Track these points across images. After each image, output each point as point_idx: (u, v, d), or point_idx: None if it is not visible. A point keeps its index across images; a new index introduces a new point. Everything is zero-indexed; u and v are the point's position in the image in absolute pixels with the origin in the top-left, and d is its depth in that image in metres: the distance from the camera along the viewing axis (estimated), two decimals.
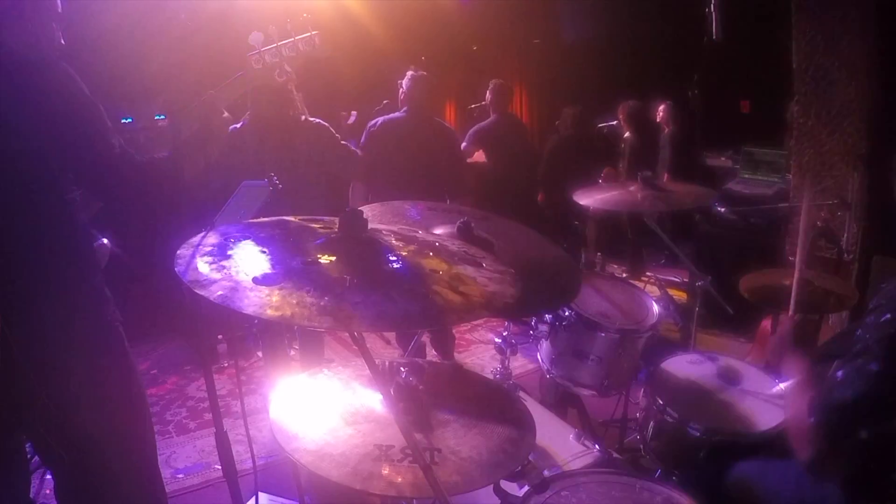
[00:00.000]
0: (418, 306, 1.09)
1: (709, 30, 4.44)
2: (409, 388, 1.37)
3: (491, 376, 2.32)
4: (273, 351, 3.45)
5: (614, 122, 5.74)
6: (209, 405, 1.52)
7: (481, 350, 4.36)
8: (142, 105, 4.97)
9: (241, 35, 1.86)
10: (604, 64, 6.80)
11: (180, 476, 2.94)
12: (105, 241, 2.06)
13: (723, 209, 4.27)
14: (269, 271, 1.11)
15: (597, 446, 2.01)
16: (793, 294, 2.06)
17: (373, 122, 3.71)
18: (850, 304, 2.60)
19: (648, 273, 5.21)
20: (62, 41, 1.66)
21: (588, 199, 2.62)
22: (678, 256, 2.88)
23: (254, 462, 1.70)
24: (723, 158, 6.18)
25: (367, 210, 1.61)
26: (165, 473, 2.81)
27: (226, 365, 4.00)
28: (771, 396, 2.02)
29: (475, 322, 4.56)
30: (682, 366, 2.22)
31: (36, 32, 1.57)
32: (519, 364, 3.69)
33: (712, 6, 4.26)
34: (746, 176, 5.27)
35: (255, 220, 1.39)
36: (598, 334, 2.25)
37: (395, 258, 1.20)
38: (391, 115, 3.74)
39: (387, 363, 1.48)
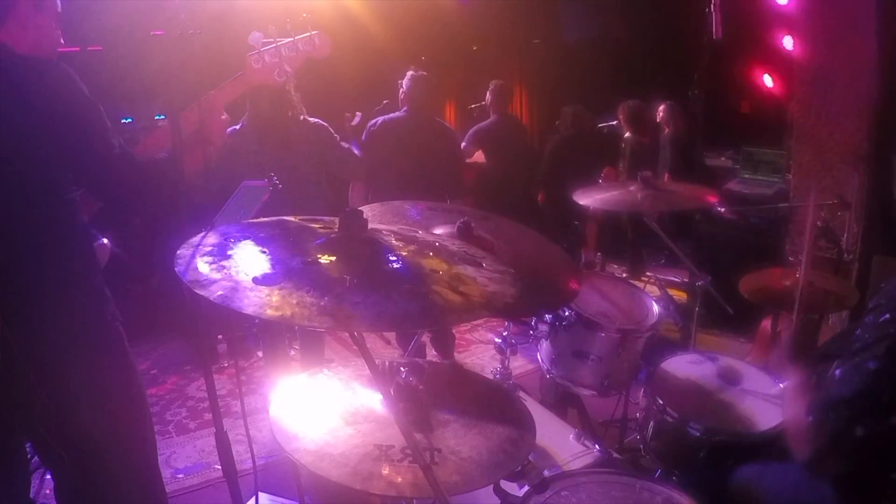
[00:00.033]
0: (418, 306, 1.09)
1: (709, 30, 4.44)
2: (409, 388, 1.37)
3: (491, 376, 2.32)
4: (273, 351, 3.45)
5: (614, 122, 5.74)
6: (209, 405, 1.52)
7: (481, 350, 4.36)
8: (142, 105, 4.98)
9: (241, 35, 1.85)
10: (604, 64, 6.79)
11: (180, 476, 2.94)
12: (105, 240, 2.06)
13: (723, 209, 4.27)
14: (269, 271, 1.11)
15: (597, 446, 2.01)
16: (797, 297, 2.04)
17: (373, 121, 3.71)
18: (850, 304, 2.60)
19: (648, 273, 5.21)
20: (62, 41, 1.66)
21: (588, 199, 2.62)
22: (678, 256, 2.88)
23: (254, 462, 1.70)
24: (723, 158, 6.18)
25: (367, 210, 1.61)
26: (165, 473, 2.81)
27: (226, 365, 4.00)
28: (771, 396, 2.02)
29: (475, 322, 4.55)
30: (682, 366, 2.22)
31: (35, 32, 1.57)
32: (519, 364, 3.69)
33: (712, 6, 4.26)
34: (746, 176, 5.27)
35: (254, 220, 1.39)
36: (598, 334, 2.25)
37: (395, 258, 1.20)
38: (391, 115, 3.74)
39: (387, 363, 1.48)
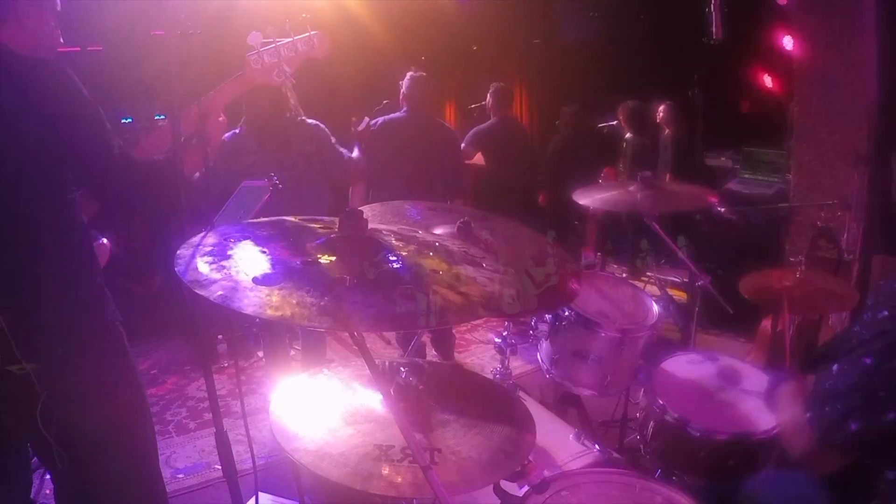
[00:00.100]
0: (418, 306, 1.09)
1: (709, 30, 4.44)
2: (409, 388, 1.37)
3: (491, 376, 2.32)
4: (273, 351, 3.45)
5: (614, 122, 5.74)
6: (209, 405, 1.52)
7: (481, 350, 4.36)
8: (142, 105, 4.98)
9: (241, 35, 1.85)
10: (604, 64, 6.79)
11: (180, 476, 2.94)
12: (105, 240, 2.06)
13: (723, 209, 4.27)
14: (269, 271, 1.11)
15: (597, 446, 2.01)
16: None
17: (373, 122, 3.71)
18: (850, 304, 2.60)
19: (648, 273, 5.21)
20: (62, 41, 1.66)
21: (588, 199, 2.63)
22: (678, 256, 2.88)
23: (254, 462, 1.70)
24: (723, 158, 6.18)
25: (367, 210, 1.61)
26: (165, 473, 2.80)
27: (226, 365, 4.00)
28: None
29: (475, 322, 4.55)
30: (682, 366, 2.22)
31: (35, 32, 1.57)
32: (519, 364, 3.69)
33: (712, 6, 4.27)
34: (746, 176, 5.27)
35: (254, 220, 1.39)
36: (598, 334, 2.25)
37: (395, 258, 1.20)
38: (391, 116, 3.74)
39: (387, 363, 1.48)
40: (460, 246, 1.43)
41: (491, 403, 1.50)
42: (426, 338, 3.80)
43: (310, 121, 3.12)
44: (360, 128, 3.17)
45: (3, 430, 1.58)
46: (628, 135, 5.56)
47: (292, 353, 3.72)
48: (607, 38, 7.10)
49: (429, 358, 3.73)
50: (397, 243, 1.28)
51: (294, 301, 1.03)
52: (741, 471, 1.83)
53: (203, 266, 1.11)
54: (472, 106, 5.74)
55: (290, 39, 1.90)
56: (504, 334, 2.29)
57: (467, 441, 1.32)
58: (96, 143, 1.54)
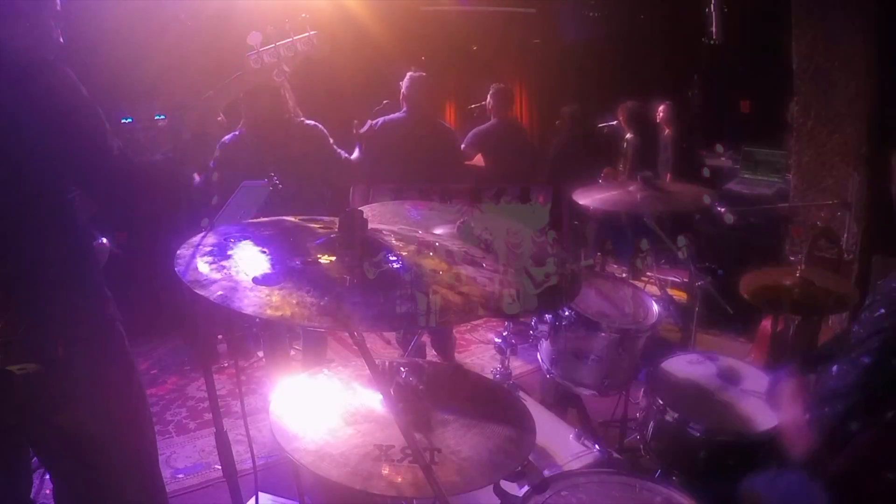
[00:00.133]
0: (418, 306, 1.09)
1: (709, 30, 4.45)
2: (409, 388, 1.37)
3: (491, 376, 2.32)
4: (274, 351, 3.45)
5: (614, 123, 5.74)
6: (209, 405, 1.52)
7: (481, 350, 4.36)
8: (142, 105, 4.98)
9: (241, 35, 1.85)
10: (604, 64, 6.80)
11: (180, 476, 2.94)
12: (104, 240, 2.06)
13: (723, 209, 4.27)
14: (269, 271, 1.11)
15: (597, 446, 2.01)
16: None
17: (373, 122, 3.71)
18: (850, 304, 2.59)
19: (648, 273, 5.21)
20: (62, 41, 1.66)
21: (588, 199, 2.63)
22: (678, 256, 2.89)
23: (254, 462, 1.70)
24: (723, 158, 6.18)
25: (367, 210, 1.61)
26: (165, 473, 2.80)
27: (226, 365, 4.00)
28: None
29: (475, 322, 4.55)
30: (682, 366, 2.22)
31: (35, 32, 1.57)
32: (519, 364, 3.69)
33: (712, 6, 4.27)
34: (746, 176, 5.27)
35: (254, 220, 1.39)
36: (598, 334, 2.25)
37: (395, 258, 1.20)
38: (391, 116, 3.74)
39: (387, 363, 1.48)
40: (460, 246, 1.43)
41: (491, 403, 1.50)
42: (426, 338, 3.80)
43: (308, 121, 3.12)
44: (363, 130, 3.17)
45: (3, 430, 1.58)
46: (629, 135, 5.56)
47: (292, 353, 3.71)
48: (607, 38, 7.10)
49: (429, 358, 3.73)
50: (397, 243, 1.28)
51: (294, 301, 1.03)
52: (741, 471, 1.83)
53: (203, 266, 1.11)
54: (472, 106, 5.74)
55: (290, 39, 1.90)
56: (504, 334, 2.29)
57: (467, 441, 1.32)
58: (95, 143, 1.54)
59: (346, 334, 1.17)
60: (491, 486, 1.48)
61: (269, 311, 1.01)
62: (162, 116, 4.68)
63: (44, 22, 1.59)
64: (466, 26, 7.05)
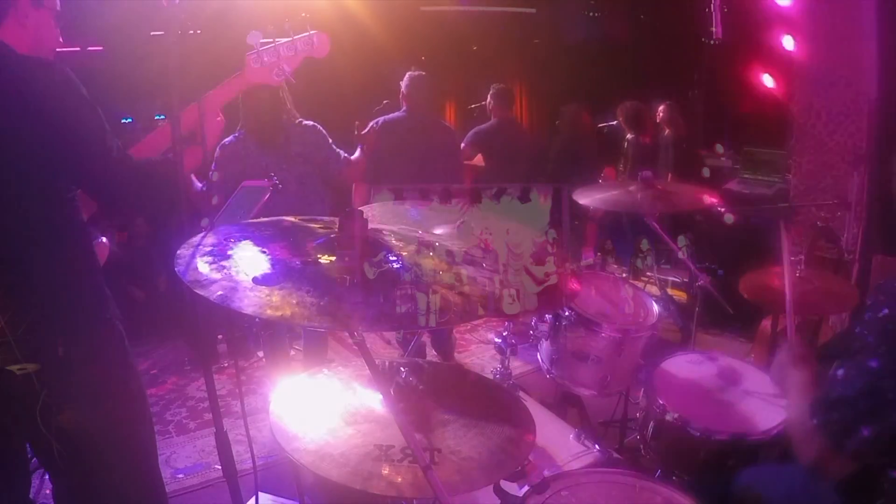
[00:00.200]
0: (418, 306, 1.09)
1: (709, 30, 4.44)
2: (409, 388, 1.37)
3: (491, 376, 2.33)
4: (274, 351, 3.45)
5: (614, 123, 5.74)
6: (209, 405, 1.52)
7: (481, 350, 4.36)
8: (142, 105, 4.98)
9: (241, 35, 1.85)
10: (604, 64, 6.80)
11: (180, 476, 2.94)
12: (104, 239, 2.06)
13: (723, 209, 4.27)
14: (268, 271, 1.11)
15: (597, 446, 2.01)
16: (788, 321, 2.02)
17: (373, 121, 3.71)
18: (850, 304, 2.59)
19: (648, 273, 5.21)
20: (62, 41, 1.66)
21: (588, 199, 2.63)
22: (678, 256, 2.88)
23: (254, 462, 1.70)
24: (723, 158, 6.18)
25: (367, 210, 1.61)
26: (165, 473, 2.81)
27: (226, 365, 4.00)
28: (771, 396, 2.01)
29: (475, 322, 4.55)
30: (682, 366, 2.22)
31: (35, 32, 1.57)
32: (519, 364, 3.69)
33: (712, 6, 4.27)
34: (746, 176, 5.27)
35: (254, 220, 1.39)
36: (598, 334, 2.25)
37: (395, 258, 1.20)
38: (391, 115, 3.74)
39: (387, 363, 1.48)
40: (460, 246, 1.43)
41: (491, 403, 1.50)
42: (426, 338, 3.80)
43: (307, 122, 3.12)
44: (364, 131, 3.17)
45: (3, 430, 1.58)
46: (629, 135, 5.56)
47: (292, 353, 3.72)
48: (607, 38, 7.11)
49: (429, 358, 3.73)
50: (397, 243, 1.28)
51: (294, 301, 1.03)
52: (741, 471, 1.83)
53: (203, 266, 1.11)
54: (472, 106, 5.74)
55: (290, 39, 1.90)
56: (504, 334, 2.30)
57: (467, 441, 1.32)
58: (94, 143, 1.54)
59: (346, 334, 1.17)
60: (491, 486, 1.48)
61: (269, 311, 1.01)
62: (162, 116, 4.69)
63: (44, 22, 1.59)
64: (466, 26, 7.05)
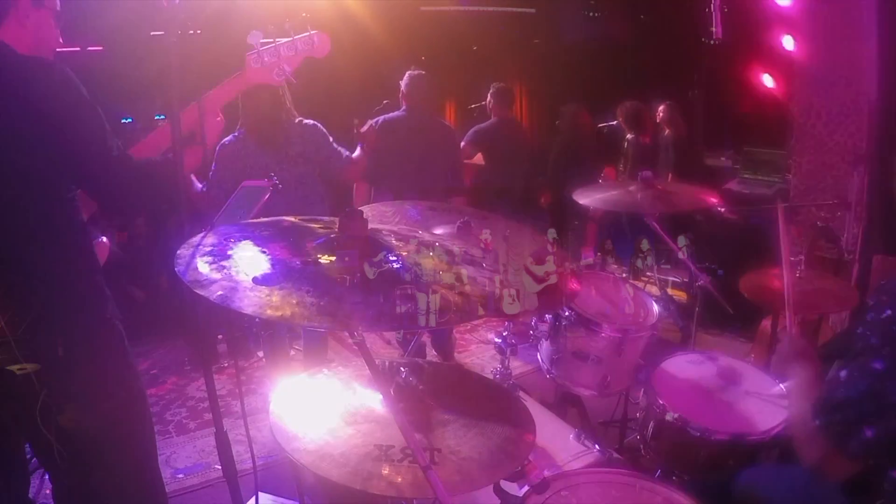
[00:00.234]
0: (418, 306, 1.09)
1: (709, 30, 4.44)
2: (409, 388, 1.37)
3: (491, 376, 2.32)
4: (274, 351, 3.45)
5: (614, 123, 5.74)
6: (209, 405, 1.52)
7: (481, 350, 4.36)
8: (142, 105, 4.98)
9: (241, 35, 1.85)
10: (604, 64, 6.80)
11: (180, 476, 2.94)
12: (104, 239, 2.06)
13: (723, 209, 4.27)
14: (268, 271, 1.11)
15: (597, 446, 2.01)
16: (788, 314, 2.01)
17: (373, 121, 3.71)
18: (850, 304, 2.59)
19: (648, 273, 5.21)
20: (62, 41, 1.66)
21: (588, 199, 2.63)
22: (678, 256, 2.88)
23: (254, 462, 1.70)
24: (723, 158, 6.19)
25: (367, 210, 1.61)
26: (165, 473, 2.81)
27: (226, 365, 4.00)
28: (772, 396, 2.01)
29: (475, 322, 4.55)
30: (682, 366, 2.22)
31: (35, 32, 1.57)
32: (519, 364, 3.69)
33: (712, 6, 4.27)
34: (746, 176, 5.27)
35: (254, 220, 1.39)
36: (598, 334, 2.25)
37: (395, 258, 1.20)
38: (391, 115, 3.74)
39: (387, 363, 1.48)
40: (460, 246, 1.43)
41: (491, 403, 1.50)
42: (426, 338, 3.80)
43: (307, 121, 3.12)
44: (364, 129, 3.17)
45: (3, 430, 1.58)
46: (629, 135, 5.56)
47: (292, 353, 3.72)
48: (607, 38, 7.11)
49: (429, 358, 3.73)
50: (397, 243, 1.28)
51: (294, 301, 1.03)
52: (741, 471, 1.83)
53: (203, 266, 1.11)
54: (472, 106, 5.74)
55: (290, 39, 1.90)
56: (504, 334, 2.29)
57: (467, 441, 1.32)
58: (94, 143, 1.54)
59: (346, 334, 1.17)
60: (491, 486, 1.48)
61: (269, 311, 1.01)
62: (162, 116, 4.69)
63: (44, 22, 1.59)
64: (466, 26, 7.06)
